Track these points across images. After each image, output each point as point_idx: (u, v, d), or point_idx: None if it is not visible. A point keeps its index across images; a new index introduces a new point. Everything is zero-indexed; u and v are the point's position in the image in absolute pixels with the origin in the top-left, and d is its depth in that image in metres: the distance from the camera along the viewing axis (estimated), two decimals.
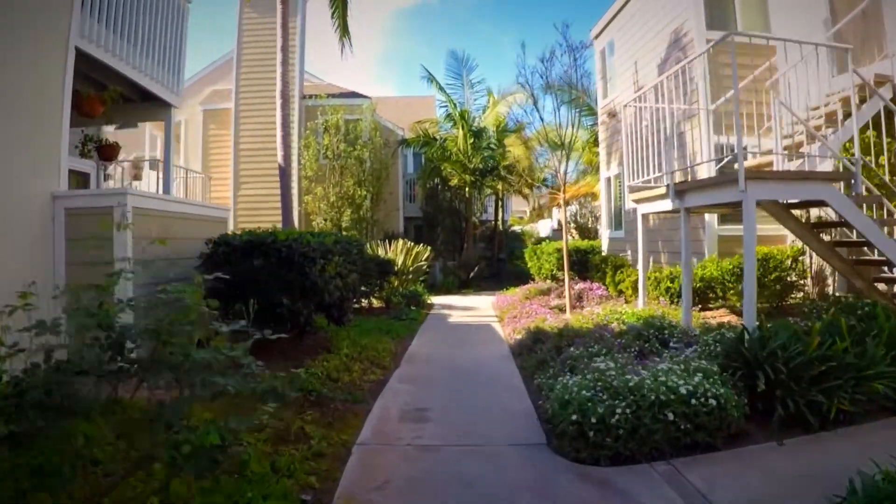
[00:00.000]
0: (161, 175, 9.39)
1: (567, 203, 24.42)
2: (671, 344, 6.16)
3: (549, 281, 13.98)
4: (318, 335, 7.53)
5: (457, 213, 23.07)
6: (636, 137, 8.22)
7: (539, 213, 52.98)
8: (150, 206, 5.94)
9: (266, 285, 5.09)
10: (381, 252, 13.63)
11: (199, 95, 22.06)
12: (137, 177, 21.09)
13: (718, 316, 8.64)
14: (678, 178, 8.27)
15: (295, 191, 19.19)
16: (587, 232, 26.67)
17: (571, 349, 6.23)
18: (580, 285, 11.63)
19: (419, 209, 22.50)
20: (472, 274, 19.06)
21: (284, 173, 12.36)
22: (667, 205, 7.17)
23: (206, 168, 20.82)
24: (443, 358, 7.69)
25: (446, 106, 21.07)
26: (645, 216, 8.15)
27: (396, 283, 13.24)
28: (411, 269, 13.33)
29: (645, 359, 5.82)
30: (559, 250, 13.31)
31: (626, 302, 10.56)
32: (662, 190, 7.20)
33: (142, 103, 8.65)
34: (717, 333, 5.94)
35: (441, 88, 20.68)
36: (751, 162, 7.15)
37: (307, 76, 22.02)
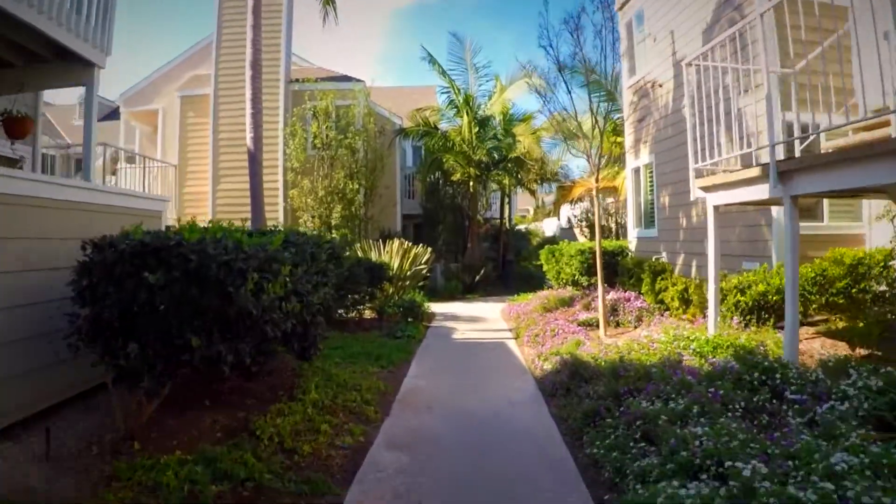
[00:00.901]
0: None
1: (580, 199, 22.50)
2: (787, 394, 4.18)
3: (569, 287, 11.99)
4: (279, 371, 5.53)
5: (459, 210, 21.09)
6: (702, 106, 6.22)
7: (543, 210, 50.94)
8: (11, 189, 3.95)
9: (168, 315, 3.12)
10: (373, 254, 11.63)
11: (177, 81, 20.06)
12: (115, 172, 19.17)
13: (804, 337, 6.65)
14: (726, 164, 6.30)
15: (279, 184, 17.25)
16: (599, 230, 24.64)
17: (639, 400, 4.25)
18: (612, 294, 9.63)
19: (419, 206, 20.51)
20: (477, 277, 17.08)
21: (254, 159, 10.38)
22: (758, 192, 5.18)
23: (183, 160, 18.86)
24: (449, 400, 5.70)
25: (448, 92, 19.06)
26: (716, 208, 6.15)
27: (391, 291, 11.26)
28: (409, 273, 11.35)
29: (758, 421, 3.84)
30: (584, 252, 11.32)
31: (674, 316, 8.56)
32: (754, 172, 5.20)
33: (57, 63, 6.66)
34: (858, 380, 3.96)
35: (443, 72, 18.68)
36: (842, 142, 5.17)
37: (295, 59, 20.01)
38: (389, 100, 22.13)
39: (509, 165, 19.18)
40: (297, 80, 17.95)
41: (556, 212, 42.06)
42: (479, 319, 11.82)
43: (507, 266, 19.42)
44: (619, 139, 17.77)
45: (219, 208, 17.79)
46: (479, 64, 19.33)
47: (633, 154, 13.32)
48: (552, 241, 36.46)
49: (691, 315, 8.35)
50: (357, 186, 15.63)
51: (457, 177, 19.60)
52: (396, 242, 11.45)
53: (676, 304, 8.60)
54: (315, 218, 15.89)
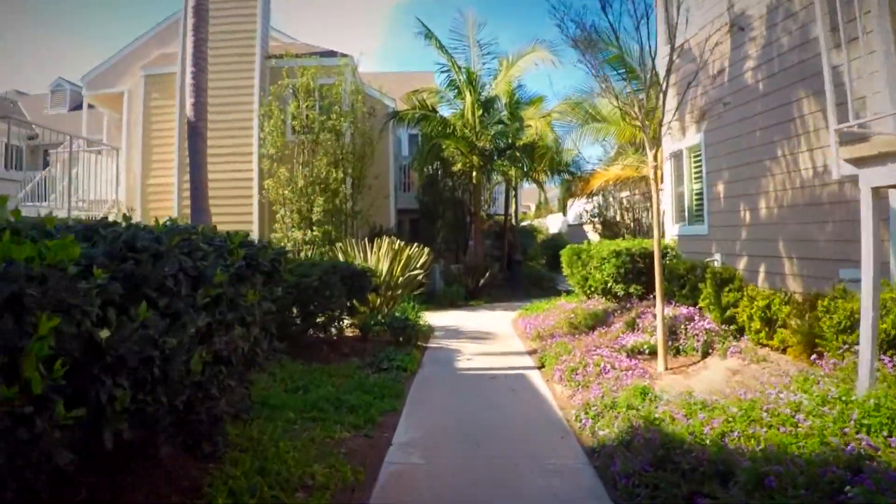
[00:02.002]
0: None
1: (593, 193, 20.27)
2: None
3: (598, 297, 9.76)
4: (174, 465, 3.26)
5: (461, 204, 18.87)
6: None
7: (546, 207, 48.64)
8: None
9: None
10: (357, 257, 9.39)
11: (144, 60, 17.74)
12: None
13: None
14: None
15: (254, 174, 15.00)
16: (613, 227, 22.47)
17: None
18: (664, 310, 7.41)
19: (415, 199, 18.27)
20: (481, 281, 14.86)
21: (196, 132, 8.14)
22: None
23: (147, 148, 16.59)
24: (458, 500, 3.48)
25: (448, 71, 16.78)
26: (875, 192, 3.90)
27: (379, 302, 9.03)
28: (400, 280, 9.11)
29: None
30: (620, 253, 9.07)
31: (753, 342, 6.35)
32: None
33: None
34: None
35: (441, 47, 16.40)
36: None
37: (277, 35, 17.73)
38: (385, 85, 19.86)
39: (517, 154, 16.93)
40: (275, 56, 15.69)
41: (561, 207, 39.77)
42: (489, 337, 9.60)
43: (515, 267, 17.19)
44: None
45: (185, 201, 15.49)
46: (484, 41, 17.09)
47: (678, 132, 11.07)
48: (557, 238, 34.25)
49: (779, 342, 6.14)
50: (342, 175, 13.38)
51: (458, 167, 17.38)
52: (386, 242, 9.22)
53: (757, 325, 6.38)
54: (293, 213, 13.65)
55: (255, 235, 15.40)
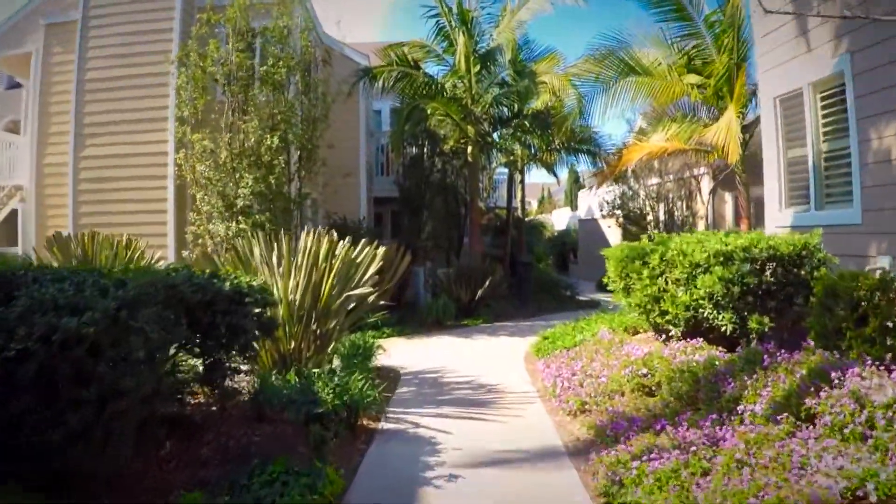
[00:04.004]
0: None
1: (620, 176, 16.28)
2: None
3: (673, 329, 5.67)
4: None
5: (453, 191, 14.86)
6: None
7: (550, 201, 44.60)
8: None
9: None
10: (261, 267, 5.31)
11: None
12: None
13: None
14: None
15: (169, 146, 10.93)
16: (640, 222, 18.49)
17: None
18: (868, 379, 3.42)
19: (395, 184, 14.24)
20: (479, 292, 10.84)
21: None
22: None
23: (44, 118, 12.49)
24: None
25: (437, 15, 12.70)
26: None
27: (293, 346, 5.01)
28: (335, 307, 5.06)
29: None
30: (733, 256, 5.00)
31: None
32: None
33: None
34: None
35: None
36: None
37: None
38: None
39: (525, 124, 12.92)
40: None
41: (569, 201, 35.71)
42: (492, 401, 5.59)
43: (522, 272, 13.12)
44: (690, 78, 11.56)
45: (82, 185, 11.52)
46: None
47: (783, 65, 7.03)
48: (565, 236, 30.23)
49: None
50: (279, 142, 9.31)
51: (451, 143, 13.40)
52: (310, 239, 5.19)
53: None
54: (215, 197, 9.62)
55: (169, 227, 11.43)
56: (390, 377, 6.47)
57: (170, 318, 3.52)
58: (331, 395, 3.80)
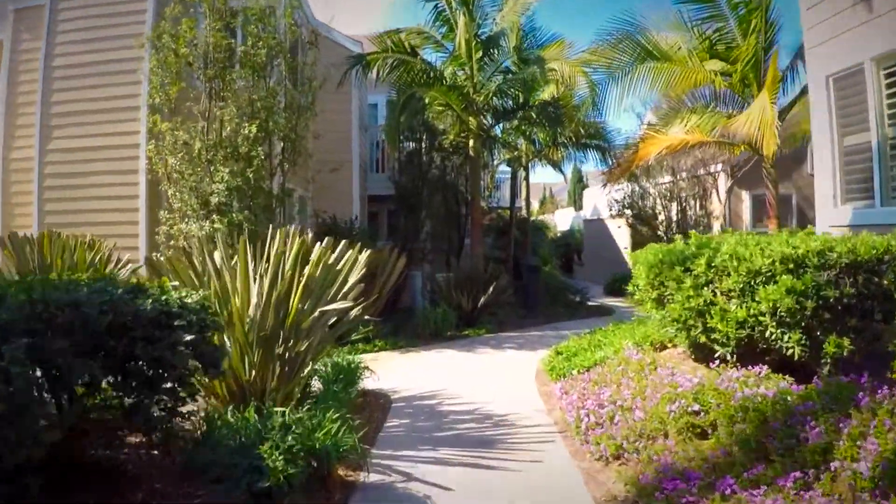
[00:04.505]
0: None
1: (636, 172, 15.25)
2: None
3: (725, 347, 4.64)
4: None
5: (452, 189, 13.88)
6: None
7: (553, 201, 43.51)
8: None
9: None
10: (224, 270, 4.31)
11: None
12: None
13: None
14: None
15: (141, 136, 9.90)
16: (651, 223, 17.48)
17: None
18: None
19: (391, 181, 13.22)
20: (482, 299, 9.81)
21: None
22: None
23: (11, 108, 11.46)
24: None
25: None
26: None
27: (253, 375, 4.00)
28: (307, 325, 4.07)
29: None
30: (805, 262, 4.01)
31: None
32: None
33: None
34: None
35: None
36: None
37: None
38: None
39: (532, 115, 11.91)
40: None
41: (573, 201, 34.66)
42: (500, 438, 4.57)
43: (529, 277, 12.07)
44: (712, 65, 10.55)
45: (48, 181, 10.49)
46: None
47: (846, 37, 6.00)
48: (569, 237, 29.19)
49: None
50: (257, 131, 8.29)
51: (451, 137, 12.41)
52: (276, 241, 4.18)
53: None
54: (188, 193, 8.61)
55: (141, 227, 10.43)
56: (379, 404, 5.47)
57: (62, 351, 2.51)
58: (281, 461, 2.77)
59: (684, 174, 17.09)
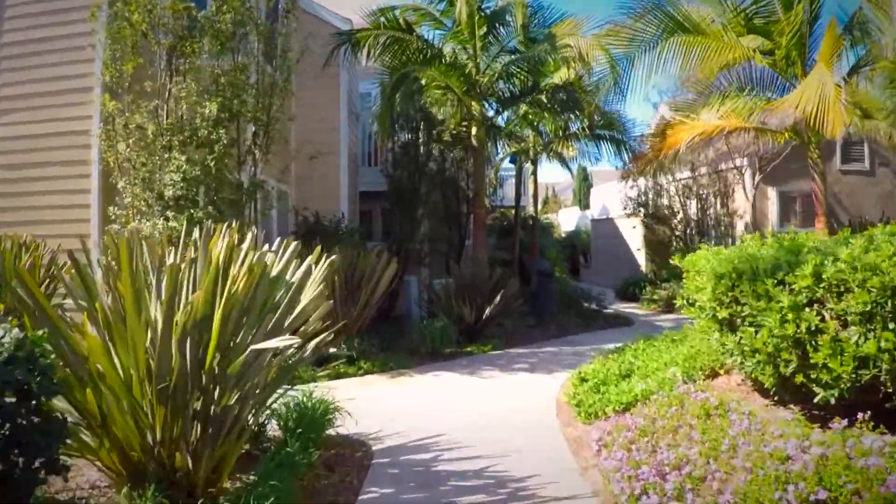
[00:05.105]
0: None
1: (652, 168, 13.80)
2: None
3: (824, 390, 3.32)
4: None
5: (453, 185, 12.54)
6: None
7: (555, 200, 42.08)
8: None
9: None
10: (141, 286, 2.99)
11: None
12: None
13: None
14: None
15: (94, 121, 8.55)
16: (668, 222, 16.15)
17: None
18: None
19: (384, 175, 11.87)
20: (488, 309, 8.43)
21: None
22: None
23: None
24: None
25: None
26: None
27: (152, 444, 2.66)
28: (235, 368, 2.76)
29: None
30: None
31: None
32: None
33: None
34: None
35: None
36: None
37: None
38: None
39: (543, 100, 10.55)
40: None
41: (578, 199, 33.27)
42: None
43: (541, 283, 10.67)
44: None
45: None
46: None
47: None
48: (575, 237, 27.80)
49: None
50: (218, 111, 6.93)
51: (452, 125, 11.08)
52: (190, 246, 2.84)
53: None
54: (140, 184, 7.25)
55: (93, 225, 9.10)
56: (356, 459, 4.11)
57: None
58: None
59: (704, 169, 15.76)
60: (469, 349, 8.02)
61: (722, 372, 5.59)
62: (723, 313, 4.09)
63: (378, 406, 5.44)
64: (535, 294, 10.33)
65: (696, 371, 5.40)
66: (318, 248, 3.43)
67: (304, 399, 4.19)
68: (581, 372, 6.15)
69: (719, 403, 4.07)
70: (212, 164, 6.93)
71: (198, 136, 7.02)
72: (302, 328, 3.50)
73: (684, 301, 4.80)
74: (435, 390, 6.28)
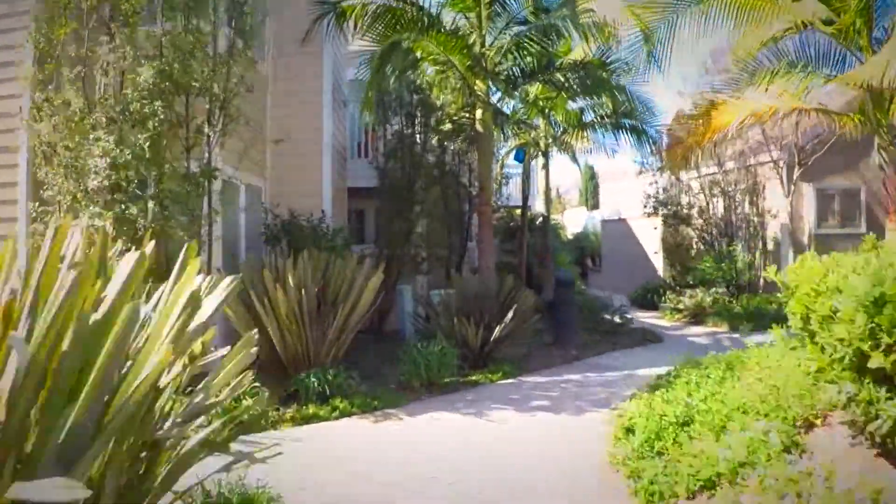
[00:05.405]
0: None
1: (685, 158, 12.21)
2: None
3: None
4: None
5: (453, 181, 11.07)
6: None
7: (560, 201, 40.55)
8: None
9: None
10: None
11: None
12: None
13: None
14: None
15: (24, 101, 7.05)
16: (689, 222, 14.66)
17: None
18: None
19: (374, 168, 10.38)
20: (497, 330, 6.90)
21: None
22: None
23: None
24: None
25: None
26: None
27: None
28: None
29: None
30: None
31: None
32: None
33: None
34: None
35: None
36: None
37: None
38: None
39: (560, 78, 9.06)
40: None
41: (585, 199, 31.76)
42: None
43: (561, 295, 9.07)
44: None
45: None
46: None
47: None
48: (583, 239, 26.25)
49: None
50: (153, 77, 5.46)
51: (453, 109, 9.62)
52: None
53: None
54: (67, 171, 5.77)
55: (21, 225, 7.63)
56: None
57: None
58: None
59: (731, 164, 14.27)
60: (474, 378, 6.51)
61: (818, 424, 4.10)
62: (867, 345, 2.58)
63: (347, 470, 3.94)
64: (553, 307, 8.79)
65: (790, 422, 3.92)
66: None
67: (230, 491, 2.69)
68: (623, 416, 4.66)
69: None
70: (145, 145, 5.44)
71: (129, 110, 5.54)
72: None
73: (804, 330, 3.30)
74: (429, 441, 4.76)
